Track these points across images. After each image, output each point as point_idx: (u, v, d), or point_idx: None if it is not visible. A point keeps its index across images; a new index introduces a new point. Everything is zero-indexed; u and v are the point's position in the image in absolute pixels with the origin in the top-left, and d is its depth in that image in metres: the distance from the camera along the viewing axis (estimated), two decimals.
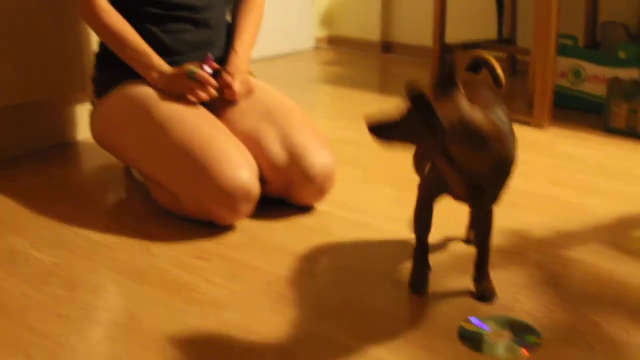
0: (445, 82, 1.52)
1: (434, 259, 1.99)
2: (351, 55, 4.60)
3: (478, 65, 1.83)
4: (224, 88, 2.33)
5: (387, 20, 4.73)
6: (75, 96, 2.95)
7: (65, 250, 2.09)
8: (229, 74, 2.35)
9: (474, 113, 1.52)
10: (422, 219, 1.81)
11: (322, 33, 4.87)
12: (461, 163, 1.56)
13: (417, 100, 1.46)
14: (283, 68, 4.40)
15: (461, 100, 1.52)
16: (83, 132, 2.99)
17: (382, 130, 1.54)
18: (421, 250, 1.84)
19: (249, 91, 2.40)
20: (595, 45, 3.61)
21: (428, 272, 1.86)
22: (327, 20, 4.87)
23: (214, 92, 2.31)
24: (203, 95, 2.29)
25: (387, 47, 4.74)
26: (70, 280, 1.92)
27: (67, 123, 2.98)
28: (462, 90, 1.53)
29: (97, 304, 1.81)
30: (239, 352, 1.60)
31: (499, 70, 1.79)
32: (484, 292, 1.80)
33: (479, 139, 1.52)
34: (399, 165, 2.25)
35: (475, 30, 4.23)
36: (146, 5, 2.40)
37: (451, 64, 1.52)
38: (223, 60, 2.46)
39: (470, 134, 1.51)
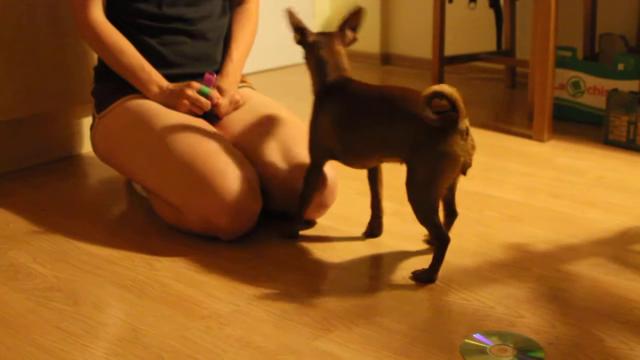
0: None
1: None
2: (351, 67, 4.60)
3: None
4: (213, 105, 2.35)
5: (387, 32, 4.73)
6: (77, 109, 2.95)
7: (68, 265, 2.09)
8: (221, 90, 2.38)
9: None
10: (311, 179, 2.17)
11: None
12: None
13: (291, 19, 2.17)
14: (281, 80, 4.40)
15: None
16: (85, 145, 2.98)
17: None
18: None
19: (235, 108, 2.42)
20: (594, 56, 3.61)
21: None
22: None
23: (209, 106, 2.33)
24: (199, 110, 2.33)
25: (387, 58, 4.74)
26: (73, 294, 1.93)
27: (69, 136, 2.98)
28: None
29: (99, 319, 1.82)
30: None
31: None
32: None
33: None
34: (398, 179, 2.26)
35: (474, 42, 4.23)
36: (140, 17, 2.40)
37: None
38: (218, 71, 2.46)
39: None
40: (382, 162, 2.10)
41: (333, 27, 2.22)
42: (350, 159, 2.09)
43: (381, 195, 2.21)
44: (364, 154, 2.07)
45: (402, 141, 1.92)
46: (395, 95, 1.98)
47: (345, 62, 2.16)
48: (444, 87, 1.82)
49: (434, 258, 1.94)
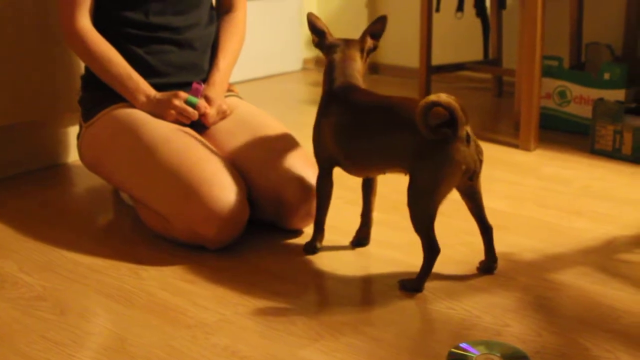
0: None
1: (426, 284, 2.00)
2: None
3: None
4: (200, 115, 2.35)
5: None
6: (65, 117, 2.94)
7: (54, 274, 2.08)
8: (208, 99, 2.38)
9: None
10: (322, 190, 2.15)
11: (309, 54, 4.88)
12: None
13: (311, 23, 2.17)
14: (270, 89, 4.40)
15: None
16: (72, 153, 2.98)
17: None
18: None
19: (222, 117, 2.41)
20: (580, 66, 3.62)
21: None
22: None
23: (196, 116, 2.33)
24: (187, 120, 2.33)
25: (374, 68, 4.74)
26: (59, 303, 1.92)
27: (56, 144, 2.98)
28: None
29: (85, 328, 1.81)
30: None
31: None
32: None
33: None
34: (385, 188, 2.26)
35: (461, 52, 4.24)
36: (127, 26, 2.40)
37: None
38: (205, 80, 2.46)
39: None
40: (385, 172, 2.06)
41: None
42: (352, 168, 2.08)
43: (373, 205, 2.19)
44: (366, 163, 2.05)
45: (404, 150, 1.91)
46: (396, 104, 1.97)
47: (356, 69, 2.14)
48: (441, 97, 1.81)
49: (422, 268, 1.94)
